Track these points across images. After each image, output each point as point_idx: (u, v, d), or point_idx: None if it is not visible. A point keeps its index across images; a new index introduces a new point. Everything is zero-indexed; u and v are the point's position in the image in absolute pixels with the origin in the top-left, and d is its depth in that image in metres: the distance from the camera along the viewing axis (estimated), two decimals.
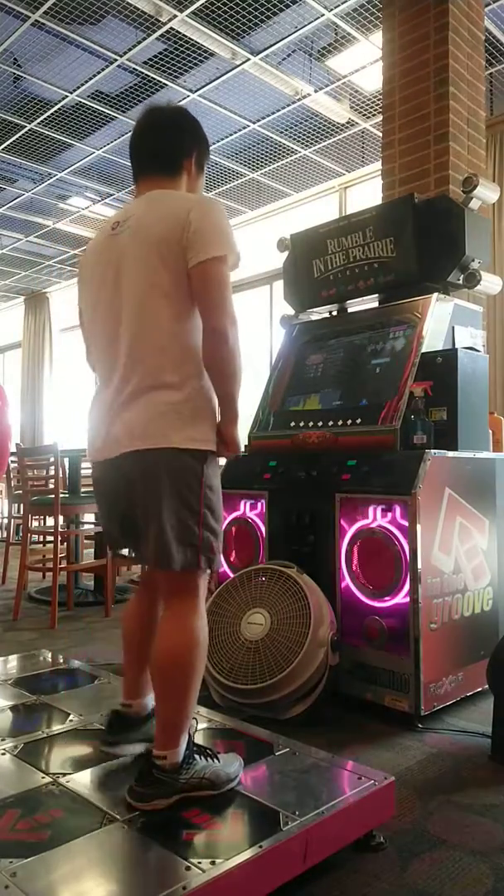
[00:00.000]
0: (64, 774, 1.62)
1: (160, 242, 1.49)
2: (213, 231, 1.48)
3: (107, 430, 1.55)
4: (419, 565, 2.24)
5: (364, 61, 4.47)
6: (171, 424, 1.48)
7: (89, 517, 4.44)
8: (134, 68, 4.57)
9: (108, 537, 1.71)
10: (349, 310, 3.15)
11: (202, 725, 1.93)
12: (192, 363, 1.52)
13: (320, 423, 2.72)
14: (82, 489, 4.62)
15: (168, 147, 1.65)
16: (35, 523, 5.76)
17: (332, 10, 3.98)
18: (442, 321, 2.69)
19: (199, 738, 1.82)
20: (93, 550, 4.81)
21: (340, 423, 2.65)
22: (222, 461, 1.71)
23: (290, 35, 4.22)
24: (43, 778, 1.61)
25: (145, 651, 1.63)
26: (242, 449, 1.66)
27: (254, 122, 5.27)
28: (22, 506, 4.30)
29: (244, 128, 5.35)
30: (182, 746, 1.49)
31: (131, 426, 1.50)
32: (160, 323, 1.51)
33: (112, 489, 1.60)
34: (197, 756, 1.52)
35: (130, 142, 1.70)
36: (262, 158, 5.88)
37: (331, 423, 2.68)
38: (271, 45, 4.31)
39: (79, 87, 4.79)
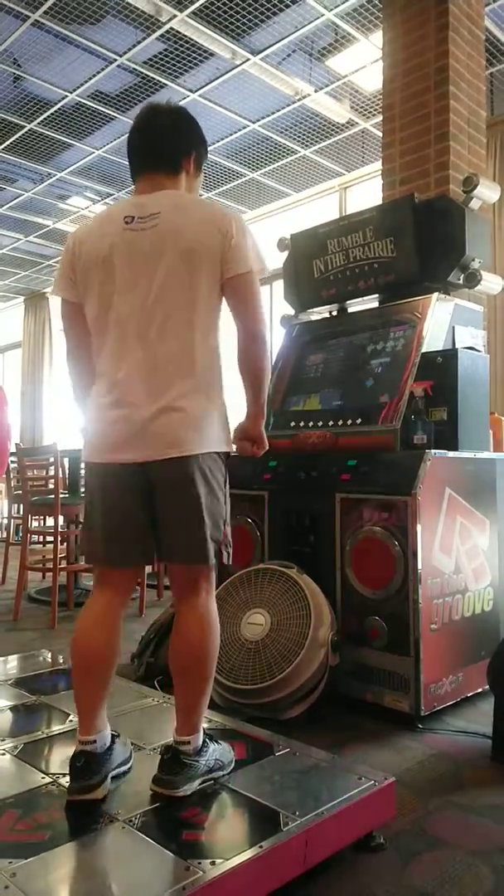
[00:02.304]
0: (64, 775, 1.61)
1: (200, 250, 1.54)
2: (253, 247, 1.59)
3: (139, 433, 1.52)
4: (419, 566, 2.24)
5: (364, 61, 4.47)
6: (206, 429, 1.55)
7: None
8: (134, 68, 4.57)
9: (106, 544, 1.59)
10: (349, 310, 3.14)
11: (203, 725, 1.92)
12: (218, 367, 1.62)
13: (320, 423, 2.72)
14: (82, 489, 4.62)
15: (168, 145, 1.66)
16: (35, 523, 5.75)
17: (332, 9, 3.98)
18: (442, 321, 2.68)
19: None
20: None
21: (340, 423, 2.64)
22: None
23: (290, 35, 4.22)
24: (43, 778, 1.61)
25: (112, 676, 1.58)
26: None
27: (254, 122, 5.27)
28: (22, 506, 4.29)
29: (244, 128, 5.35)
30: (201, 731, 1.59)
31: (175, 431, 1.52)
32: (194, 328, 1.55)
33: (129, 493, 1.55)
34: (207, 740, 1.61)
35: (129, 139, 1.71)
36: (262, 158, 5.88)
37: (331, 423, 2.68)
38: (271, 45, 4.31)
39: (79, 87, 4.79)
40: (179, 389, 1.53)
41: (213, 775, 1.58)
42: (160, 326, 1.53)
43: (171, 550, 1.59)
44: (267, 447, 1.70)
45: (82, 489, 4.61)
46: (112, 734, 1.61)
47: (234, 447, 1.67)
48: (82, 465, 4.60)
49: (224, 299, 1.61)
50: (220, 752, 1.62)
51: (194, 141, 1.70)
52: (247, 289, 1.58)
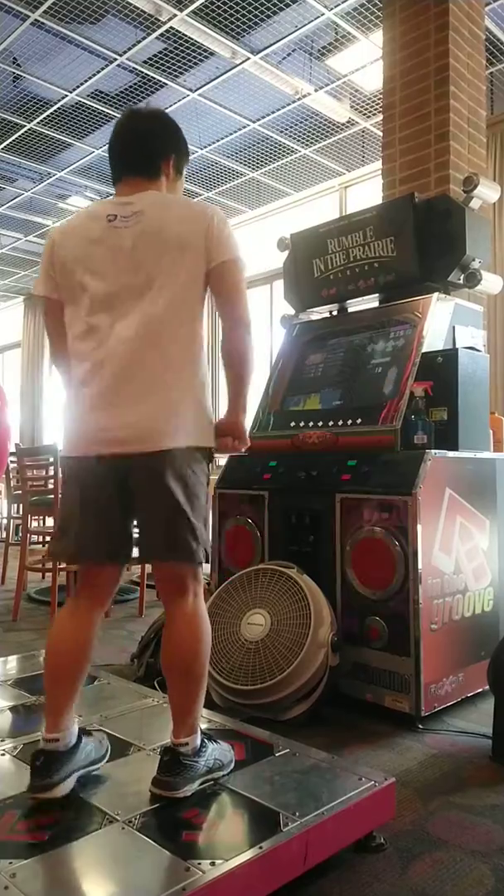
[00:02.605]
0: None
1: (184, 243, 1.55)
2: (232, 239, 1.61)
3: (115, 426, 1.52)
4: (420, 566, 2.24)
5: (364, 60, 4.47)
6: (182, 424, 1.53)
7: None
8: (134, 67, 4.57)
9: (78, 539, 1.58)
10: (349, 309, 3.14)
11: (203, 726, 1.92)
12: (200, 361, 1.60)
13: (320, 423, 2.72)
14: None
15: (146, 149, 1.67)
16: (34, 523, 5.75)
17: (332, 9, 3.98)
18: (442, 321, 2.68)
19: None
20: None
21: (341, 423, 2.64)
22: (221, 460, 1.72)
23: (290, 34, 4.22)
24: None
25: (83, 677, 1.59)
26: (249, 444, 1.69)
27: (254, 122, 5.27)
28: (21, 506, 4.29)
29: (244, 127, 5.34)
30: (199, 732, 1.57)
31: (151, 425, 1.51)
32: (174, 323, 1.54)
33: (103, 488, 1.55)
34: (205, 740, 1.60)
35: (109, 144, 1.72)
36: (262, 158, 5.88)
37: (331, 423, 2.68)
38: (271, 45, 4.31)
39: (78, 87, 4.79)
40: (156, 383, 1.51)
41: (213, 776, 1.58)
42: (140, 322, 1.53)
43: (151, 549, 1.57)
44: (248, 444, 1.66)
45: None
46: (82, 732, 1.60)
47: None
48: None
49: (209, 290, 1.62)
50: (219, 752, 1.62)
51: (173, 145, 1.71)
52: (232, 276, 1.59)
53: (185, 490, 1.53)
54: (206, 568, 3.47)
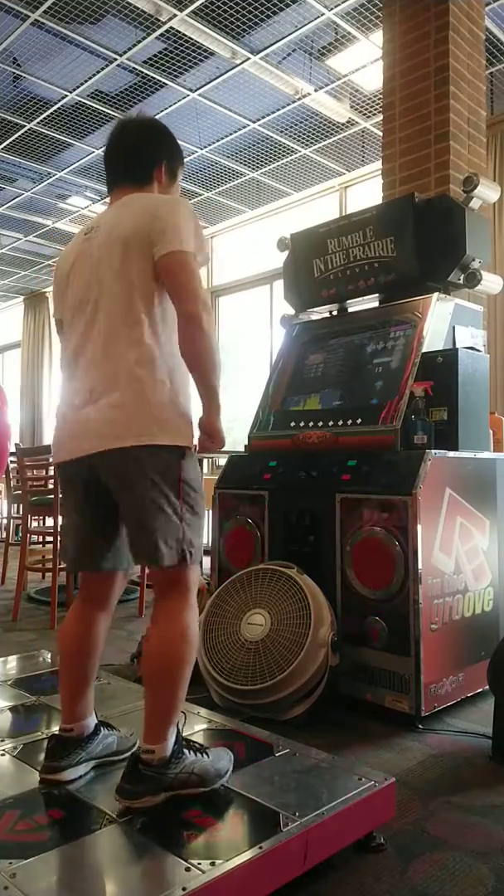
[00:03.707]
0: None
1: (129, 238, 1.53)
2: (182, 227, 1.52)
3: (79, 428, 1.55)
4: (420, 566, 2.24)
5: (364, 60, 4.46)
6: (145, 422, 1.49)
7: None
8: (134, 68, 4.57)
9: (71, 548, 1.64)
10: (349, 309, 3.14)
11: (202, 726, 1.93)
12: (162, 360, 1.53)
13: (320, 423, 2.72)
14: None
15: (137, 157, 1.69)
16: (34, 523, 5.75)
17: (332, 9, 3.98)
18: (442, 321, 2.68)
19: (199, 739, 1.81)
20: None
21: (341, 423, 2.64)
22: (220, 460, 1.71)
23: (290, 34, 4.21)
24: None
25: (89, 671, 1.62)
26: (226, 442, 1.64)
27: (254, 122, 5.27)
28: (21, 506, 4.29)
29: (244, 127, 5.34)
30: (170, 741, 1.49)
31: (107, 424, 1.50)
32: (130, 318, 1.52)
33: (83, 488, 1.59)
34: (186, 751, 1.52)
35: (104, 154, 1.75)
36: (262, 158, 5.88)
37: (331, 423, 2.68)
38: (271, 45, 4.31)
39: (78, 87, 4.79)
40: (117, 383, 1.50)
41: (188, 791, 1.49)
42: (102, 323, 1.54)
43: (131, 551, 1.58)
44: (223, 444, 1.61)
45: None
46: (104, 725, 1.64)
47: (191, 441, 1.57)
48: None
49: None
50: (201, 765, 1.51)
51: (164, 151, 1.72)
52: (176, 266, 1.50)
53: (148, 490, 1.49)
54: (207, 566, 3.47)
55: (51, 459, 1.70)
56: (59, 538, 1.72)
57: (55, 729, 1.90)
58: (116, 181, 1.70)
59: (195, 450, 1.59)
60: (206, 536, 3.44)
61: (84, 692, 1.62)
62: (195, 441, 1.59)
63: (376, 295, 2.98)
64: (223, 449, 1.68)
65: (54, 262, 9.08)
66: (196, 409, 1.61)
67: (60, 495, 1.66)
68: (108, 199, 1.73)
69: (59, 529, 3.81)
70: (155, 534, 1.49)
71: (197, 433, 1.59)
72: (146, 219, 1.53)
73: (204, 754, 1.55)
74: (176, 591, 1.54)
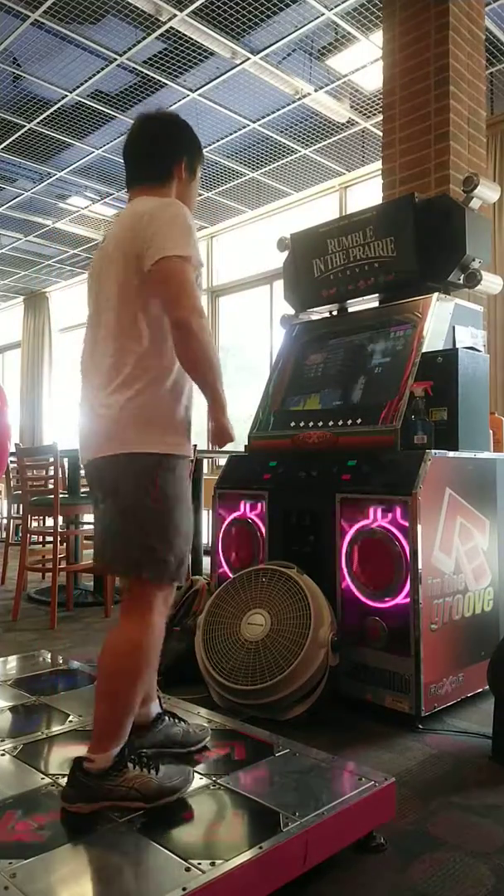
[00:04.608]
0: (64, 775, 1.60)
1: (123, 247, 1.54)
2: (171, 232, 1.49)
3: (80, 435, 1.63)
4: (420, 566, 2.24)
5: (364, 60, 4.47)
6: (129, 430, 1.50)
7: (89, 517, 4.43)
8: (134, 68, 4.57)
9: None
10: (349, 309, 3.14)
11: (204, 722, 1.93)
12: (149, 367, 1.52)
13: (320, 423, 2.72)
14: (81, 489, 4.61)
15: (156, 155, 1.68)
16: (35, 523, 5.75)
17: (332, 9, 3.98)
18: (442, 321, 2.68)
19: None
20: (93, 551, 4.79)
21: (340, 423, 2.64)
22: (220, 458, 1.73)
23: (290, 34, 4.21)
24: (42, 779, 1.61)
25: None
26: (235, 438, 1.64)
27: (254, 122, 5.27)
28: (21, 506, 4.29)
29: (244, 127, 5.34)
30: (112, 752, 1.46)
31: (95, 431, 1.56)
32: (120, 326, 1.55)
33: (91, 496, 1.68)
34: (130, 765, 1.48)
35: (123, 151, 1.73)
36: (262, 158, 5.88)
37: (331, 423, 2.68)
38: (271, 45, 4.31)
39: (78, 87, 4.79)
40: (108, 391, 1.53)
41: (128, 804, 1.45)
42: (103, 331, 1.58)
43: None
44: (232, 438, 1.61)
45: (83, 489, 4.61)
46: (170, 715, 1.73)
47: (176, 450, 1.56)
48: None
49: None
50: (143, 781, 1.47)
51: (184, 147, 1.71)
52: (165, 274, 1.47)
53: (123, 499, 1.50)
54: (207, 566, 3.46)
55: (81, 459, 1.74)
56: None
57: (55, 729, 1.91)
58: (134, 179, 1.69)
59: (211, 445, 1.63)
60: (207, 536, 3.43)
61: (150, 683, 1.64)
62: (201, 440, 1.65)
63: (376, 295, 2.99)
64: (224, 448, 1.69)
65: (55, 261, 9.10)
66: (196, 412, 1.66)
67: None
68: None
69: (58, 529, 3.80)
70: (119, 542, 1.53)
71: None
72: (137, 230, 1.52)
73: (153, 770, 1.50)
74: (135, 606, 1.54)
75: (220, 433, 1.60)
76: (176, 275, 1.47)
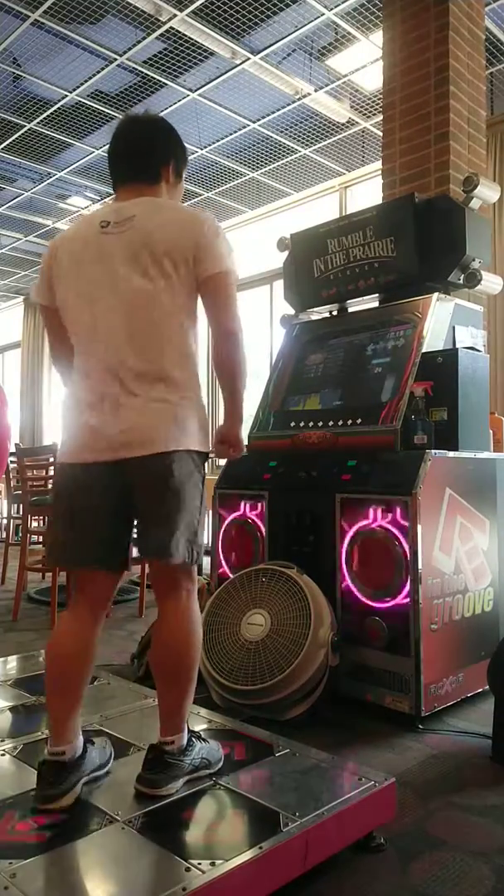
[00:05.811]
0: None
1: (172, 251, 1.54)
2: (225, 249, 1.59)
3: (104, 433, 1.53)
4: (420, 566, 2.24)
5: (364, 61, 4.47)
6: (180, 427, 1.54)
7: None
8: (134, 68, 4.57)
9: (76, 545, 1.60)
10: (349, 310, 3.14)
11: (202, 726, 1.93)
12: (191, 368, 1.60)
13: (320, 423, 2.72)
14: None
15: (146, 155, 1.68)
16: (35, 523, 5.75)
17: (332, 9, 3.98)
18: (442, 321, 2.68)
19: None
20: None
21: (341, 423, 2.64)
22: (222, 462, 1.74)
23: (290, 34, 4.21)
24: None
25: (83, 690, 1.57)
26: (243, 452, 1.73)
27: (254, 122, 5.27)
28: (21, 506, 4.29)
29: (244, 127, 5.34)
30: (186, 731, 1.58)
31: (143, 430, 1.51)
32: (164, 329, 1.55)
33: (103, 492, 1.56)
34: (193, 739, 1.61)
35: (109, 151, 1.72)
36: (262, 158, 5.88)
37: (331, 423, 2.68)
38: (271, 45, 4.31)
39: (78, 87, 4.79)
40: (151, 388, 1.53)
41: (199, 773, 1.60)
42: (131, 328, 1.54)
43: (149, 550, 1.58)
44: (244, 451, 1.72)
45: None
46: (87, 741, 1.59)
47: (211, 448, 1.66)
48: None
49: (201, 300, 1.62)
50: (206, 751, 1.63)
51: (172, 150, 1.71)
52: (222, 289, 1.58)
53: (179, 491, 1.54)
54: (207, 566, 3.47)
55: (58, 457, 1.70)
56: (49, 538, 1.70)
57: None
58: (123, 179, 1.69)
59: (216, 454, 1.70)
60: (207, 536, 3.43)
61: (77, 711, 1.55)
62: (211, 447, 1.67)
63: (376, 295, 2.99)
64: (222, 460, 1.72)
65: None
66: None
67: (62, 493, 1.66)
68: (107, 200, 1.73)
69: (52, 527, 3.79)
70: (182, 534, 1.55)
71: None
72: (190, 237, 1.55)
73: (205, 740, 1.67)
74: (185, 586, 1.61)
75: (235, 441, 1.67)
76: (228, 288, 1.59)
